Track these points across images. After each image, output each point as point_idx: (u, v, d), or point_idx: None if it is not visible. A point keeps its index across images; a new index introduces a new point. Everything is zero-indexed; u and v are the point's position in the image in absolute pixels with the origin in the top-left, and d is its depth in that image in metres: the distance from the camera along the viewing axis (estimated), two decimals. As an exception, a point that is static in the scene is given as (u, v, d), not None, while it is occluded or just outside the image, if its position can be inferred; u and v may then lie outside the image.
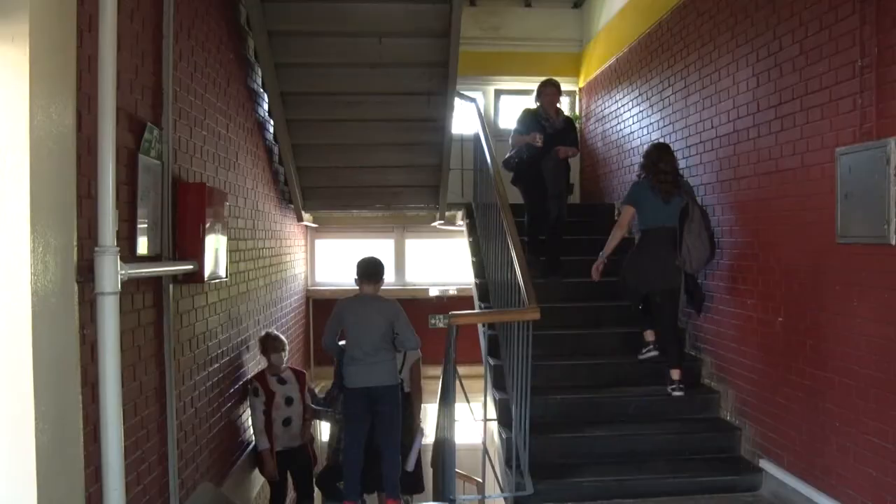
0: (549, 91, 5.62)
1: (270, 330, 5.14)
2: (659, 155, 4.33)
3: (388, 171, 6.08)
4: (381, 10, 4.58)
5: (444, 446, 3.86)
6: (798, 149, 3.51)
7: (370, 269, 4.06)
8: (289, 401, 4.72)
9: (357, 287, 4.15)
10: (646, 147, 4.87)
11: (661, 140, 5.30)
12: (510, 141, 5.71)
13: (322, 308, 8.20)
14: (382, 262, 4.13)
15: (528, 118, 5.60)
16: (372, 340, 3.96)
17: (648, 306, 4.46)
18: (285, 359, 4.87)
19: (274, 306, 5.93)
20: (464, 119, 6.25)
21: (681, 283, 4.27)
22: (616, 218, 5.11)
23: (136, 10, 2.85)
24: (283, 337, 4.96)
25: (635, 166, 5.86)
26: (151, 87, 3.02)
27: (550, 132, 5.46)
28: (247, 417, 4.75)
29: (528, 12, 7.74)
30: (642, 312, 4.54)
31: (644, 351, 4.60)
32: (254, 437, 4.67)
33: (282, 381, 4.76)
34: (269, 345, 4.85)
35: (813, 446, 3.40)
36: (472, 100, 6.03)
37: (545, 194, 5.44)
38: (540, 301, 3.61)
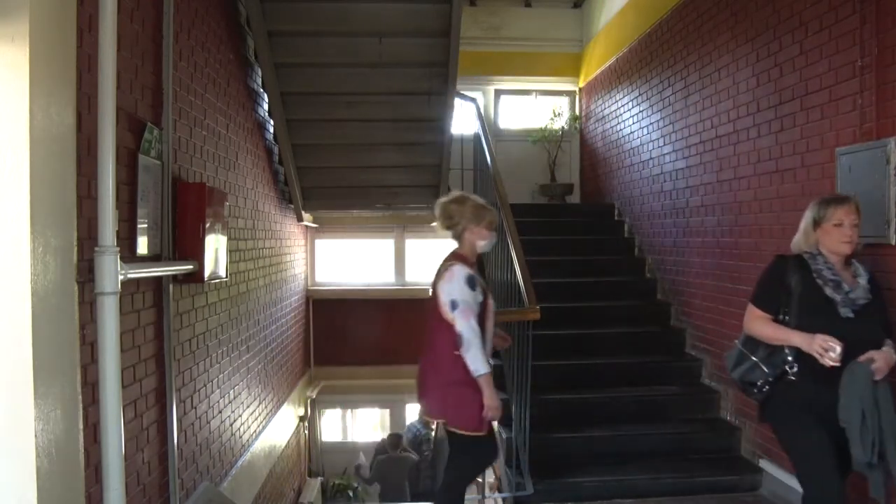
0: (843, 215, 2.57)
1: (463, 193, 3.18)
2: None
3: (388, 171, 6.08)
4: (381, 9, 4.58)
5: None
6: (798, 149, 3.51)
7: (393, 440, 7.43)
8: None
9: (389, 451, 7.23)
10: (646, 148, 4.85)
11: (662, 139, 5.31)
12: (748, 330, 2.70)
13: (322, 308, 8.20)
14: (400, 433, 7.57)
15: (789, 281, 2.63)
16: (401, 480, 7.10)
17: None
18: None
19: (274, 306, 5.93)
20: (464, 119, 6.24)
21: None
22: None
23: (136, 10, 2.85)
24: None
25: (635, 166, 5.88)
26: (151, 87, 3.02)
27: (850, 314, 2.51)
28: (247, 417, 4.73)
29: (528, 12, 7.74)
30: None
31: None
32: (471, 359, 2.95)
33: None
34: (476, 210, 3.04)
35: (813, 446, 3.39)
36: (472, 100, 6.04)
37: (844, 463, 2.46)
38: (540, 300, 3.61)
